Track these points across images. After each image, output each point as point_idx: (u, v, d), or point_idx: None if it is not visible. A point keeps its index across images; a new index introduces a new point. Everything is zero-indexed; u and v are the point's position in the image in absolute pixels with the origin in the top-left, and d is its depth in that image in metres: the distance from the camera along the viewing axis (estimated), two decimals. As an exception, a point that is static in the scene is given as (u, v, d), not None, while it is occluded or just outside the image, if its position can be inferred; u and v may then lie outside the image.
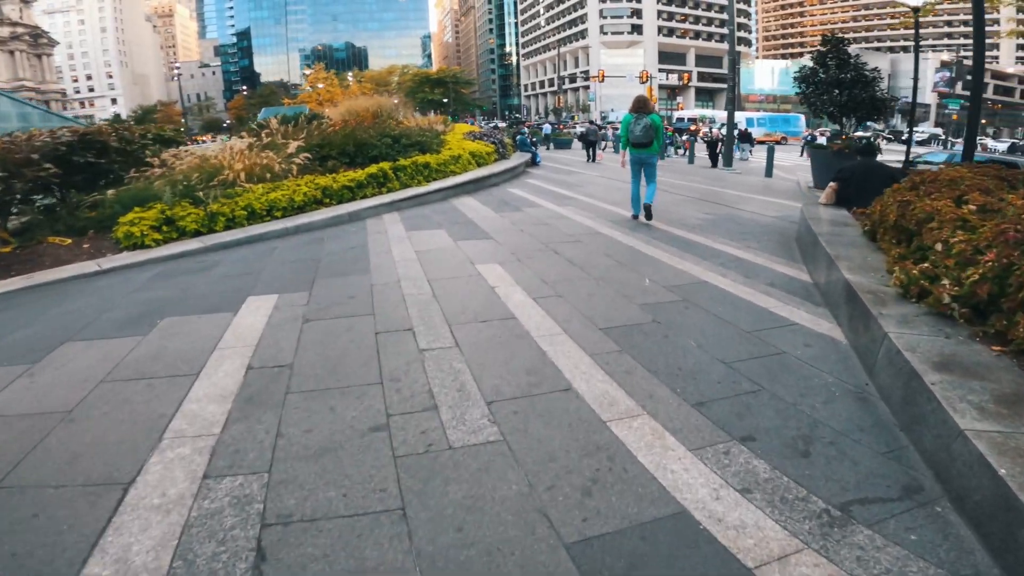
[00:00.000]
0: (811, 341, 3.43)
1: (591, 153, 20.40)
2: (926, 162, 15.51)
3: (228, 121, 78.33)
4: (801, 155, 26.32)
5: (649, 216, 7.17)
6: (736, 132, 21.09)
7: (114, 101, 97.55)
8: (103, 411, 2.71)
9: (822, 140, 22.08)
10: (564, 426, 2.48)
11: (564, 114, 70.43)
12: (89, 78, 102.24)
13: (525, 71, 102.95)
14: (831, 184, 6.68)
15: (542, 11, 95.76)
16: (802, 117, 43.63)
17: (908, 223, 3.97)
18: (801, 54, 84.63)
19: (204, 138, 52.61)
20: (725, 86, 25.65)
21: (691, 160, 20.12)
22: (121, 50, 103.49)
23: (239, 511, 1.98)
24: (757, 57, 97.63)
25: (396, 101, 21.34)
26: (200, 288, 4.73)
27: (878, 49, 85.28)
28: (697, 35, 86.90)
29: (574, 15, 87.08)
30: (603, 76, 43.27)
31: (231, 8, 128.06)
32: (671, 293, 4.33)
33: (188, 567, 1.74)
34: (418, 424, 2.51)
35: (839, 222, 5.55)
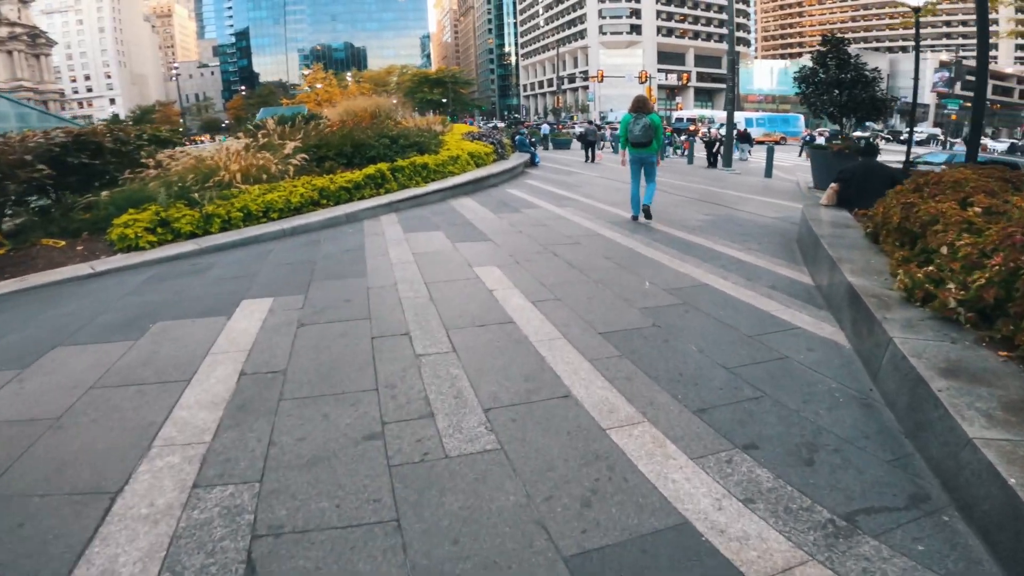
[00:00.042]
0: (814, 345, 3.39)
1: (590, 153, 20.34)
2: (926, 162, 15.52)
3: (227, 121, 78.31)
4: (800, 155, 26.34)
5: (648, 217, 7.18)
6: (735, 132, 21.03)
7: (112, 101, 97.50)
8: (92, 418, 2.66)
9: (821, 140, 22.06)
10: (563, 434, 2.43)
11: (563, 114, 70.35)
12: (87, 78, 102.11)
13: (524, 71, 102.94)
14: (832, 185, 6.66)
15: (541, 11, 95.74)
16: (801, 117, 43.59)
17: (912, 225, 3.93)
18: (800, 54, 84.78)
19: (202, 138, 52.50)
20: (724, 86, 25.67)
21: (690, 160, 20.11)
22: (119, 50, 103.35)
23: (229, 522, 1.93)
24: (756, 57, 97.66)
25: (395, 101, 21.35)
26: (194, 291, 4.68)
27: (876, 49, 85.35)
28: (696, 35, 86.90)
29: (573, 15, 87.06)
30: (602, 76, 43.34)
31: (230, 8, 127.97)
32: (671, 296, 4.28)
33: (175, 582, 1.69)
34: (414, 432, 2.46)
35: (840, 224, 5.51)
